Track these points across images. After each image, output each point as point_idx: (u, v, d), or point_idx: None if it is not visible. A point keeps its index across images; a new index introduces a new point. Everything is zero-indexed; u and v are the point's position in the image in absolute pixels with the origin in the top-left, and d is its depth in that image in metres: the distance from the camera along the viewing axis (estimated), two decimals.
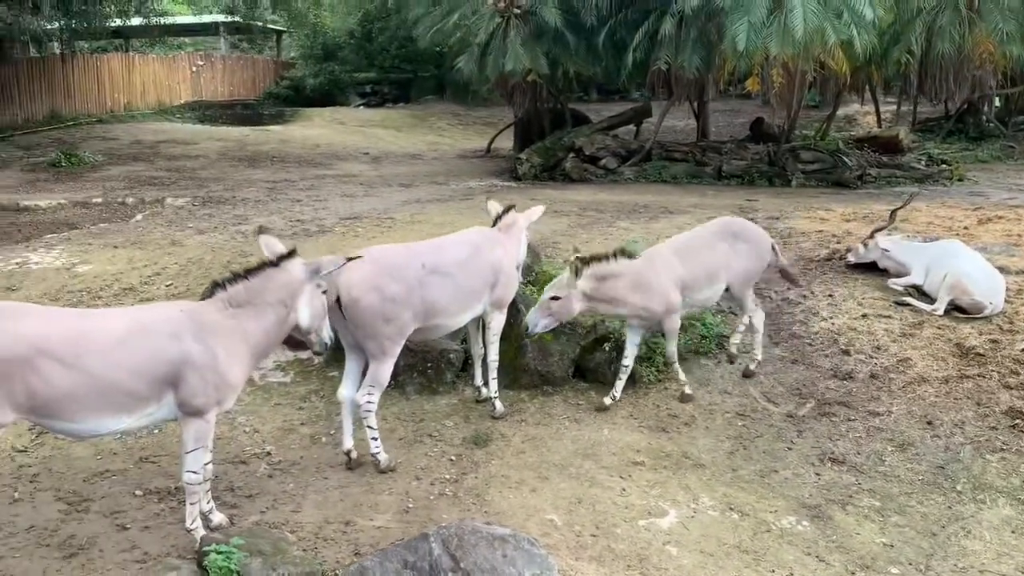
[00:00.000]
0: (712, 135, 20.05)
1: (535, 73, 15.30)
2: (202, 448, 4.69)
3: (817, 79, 13.97)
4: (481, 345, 6.46)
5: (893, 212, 8.24)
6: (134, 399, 4.40)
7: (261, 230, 5.12)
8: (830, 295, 7.97)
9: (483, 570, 4.33)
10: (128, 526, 5.04)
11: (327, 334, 5.05)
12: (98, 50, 28.56)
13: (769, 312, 7.78)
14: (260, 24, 29.59)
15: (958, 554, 4.81)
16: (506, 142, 20.90)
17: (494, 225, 6.39)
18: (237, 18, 25.21)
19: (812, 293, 8.05)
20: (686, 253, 6.50)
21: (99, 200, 14.29)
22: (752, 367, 6.90)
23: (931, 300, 7.54)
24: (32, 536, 4.92)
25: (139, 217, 12.68)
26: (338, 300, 5.43)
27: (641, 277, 6.19)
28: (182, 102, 28.66)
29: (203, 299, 4.78)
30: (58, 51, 22.47)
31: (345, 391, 5.72)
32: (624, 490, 5.42)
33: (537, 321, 6.04)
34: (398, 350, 5.65)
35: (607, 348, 6.87)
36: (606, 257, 6.14)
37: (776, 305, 7.91)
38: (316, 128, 25.94)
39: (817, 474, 5.61)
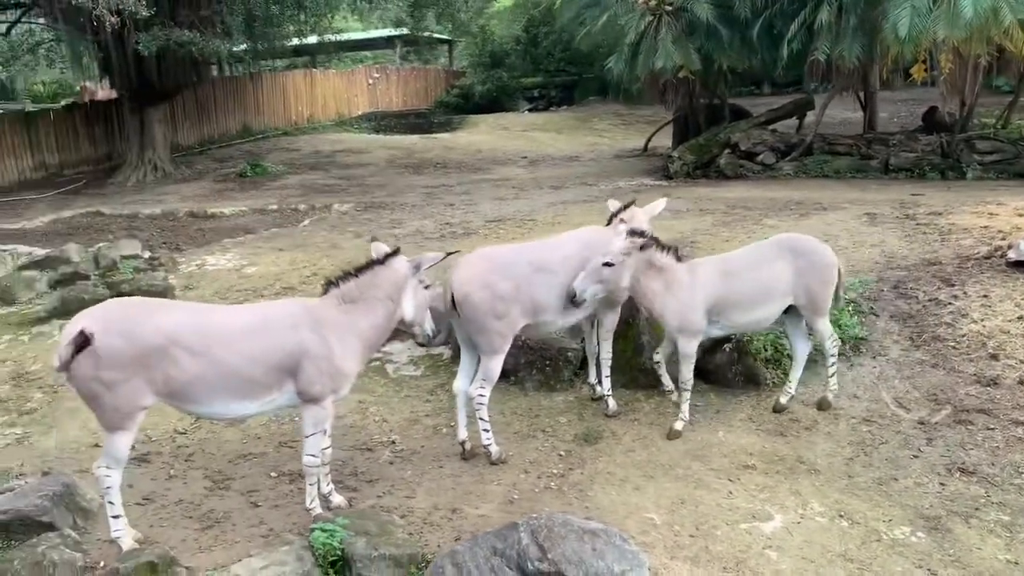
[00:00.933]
0: (889, 126, 18.93)
1: (686, 69, 15.06)
2: (320, 433, 5.09)
3: (993, 63, 12.86)
4: (595, 343, 6.53)
5: None
6: (257, 386, 4.84)
7: (374, 239, 5.48)
8: (985, 296, 7.39)
9: (571, 562, 4.42)
10: (260, 504, 5.52)
11: (429, 326, 5.34)
12: (290, 67, 30.85)
13: (913, 313, 7.36)
14: (431, 35, 30.81)
15: None
16: (665, 140, 20.68)
17: (608, 223, 6.44)
18: (405, 31, 26.38)
19: (965, 293, 7.50)
20: (734, 270, 5.97)
21: (275, 207, 15.50)
22: (784, 400, 6.36)
23: None
24: (179, 508, 5.50)
25: (306, 222, 13.66)
26: (452, 297, 5.71)
27: (675, 284, 5.81)
28: (359, 113, 30.36)
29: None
30: (246, 71, 24.47)
31: (460, 384, 6.00)
32: (730, 493, 5.33)
33: (585, 287, 5.67)
34: (507, 346, 5.84)
35: (728, 349, 6.74)
36: (660, 245, 5.84)
37: (922, 306, 7.44)
38: (480, 134, 26.71)
39: (942, 484, 5.27)
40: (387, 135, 27.55)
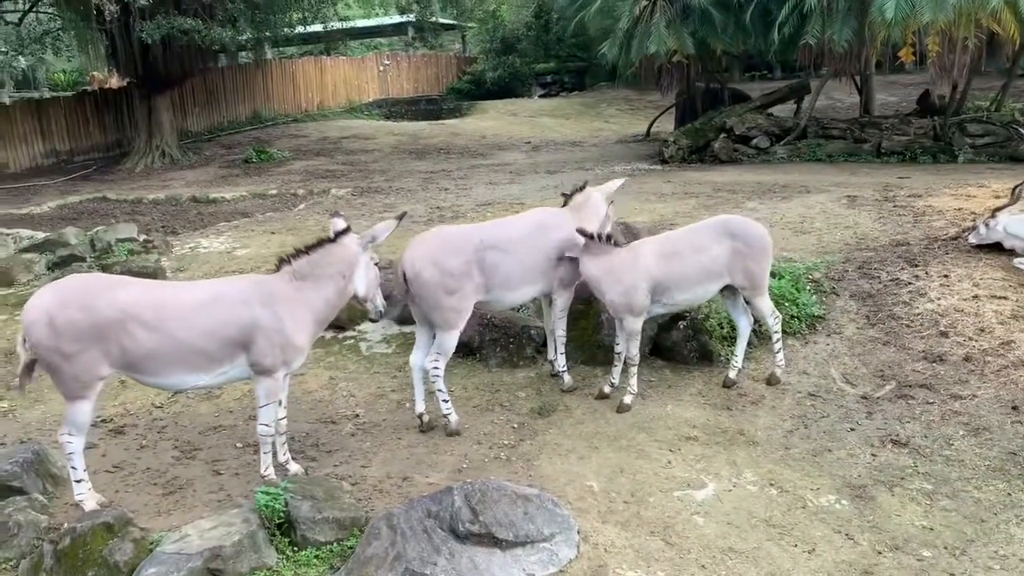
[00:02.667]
0: (888, 110, 18.88)
1: (681, 54, 15.14)
2: (273, 404, 5.33)
3: (983, 47, 12.80)
4: (553, 321, 6.72)
5: (1015, 189, 7.62)
6: (210, 359, 5.08)
7: (335, 213, 5.73)
8: (945, 275, 7.51)
9: (501, 524, 4.65)
10: (222, 472, 5.79)
11: (381, 302, 5.57)
12: (305, 54, 31.11)
13: (873, 293, 7.50)
14: (443, 22, 30.95)
15: (1002, 541, 4.53)
16: (669, 125, 20.73)
17: (564, 204, 6.62)
18: (410, 18, 26.56)
19: (926, 274, 7.63)
20: (671, 252, 6.13)
21: (274, 192, 15.79)
22: (732, 375, 6.50)
23: None
24: (146, 476, 5.78)
25: (302, 206, 13.93)
26: (404, 275, 5.94)
27: (616, 267, 6.01)
28: (370, 100, 30.57)
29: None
30: (253, 58, 24.77)
31: (416, 359, 6.23)
32: (669, 462, 5.52)
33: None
34: (462, 321, 6.04)
35: (683, 327, 6.91)
36: (597, 237, 6.06)
37: (883, 286, 7.57)
38: (489, 120, 26.86)
39: (873, 455, 5.43)
40: (396, 121, 27.78)
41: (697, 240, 6.19)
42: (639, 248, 6.21)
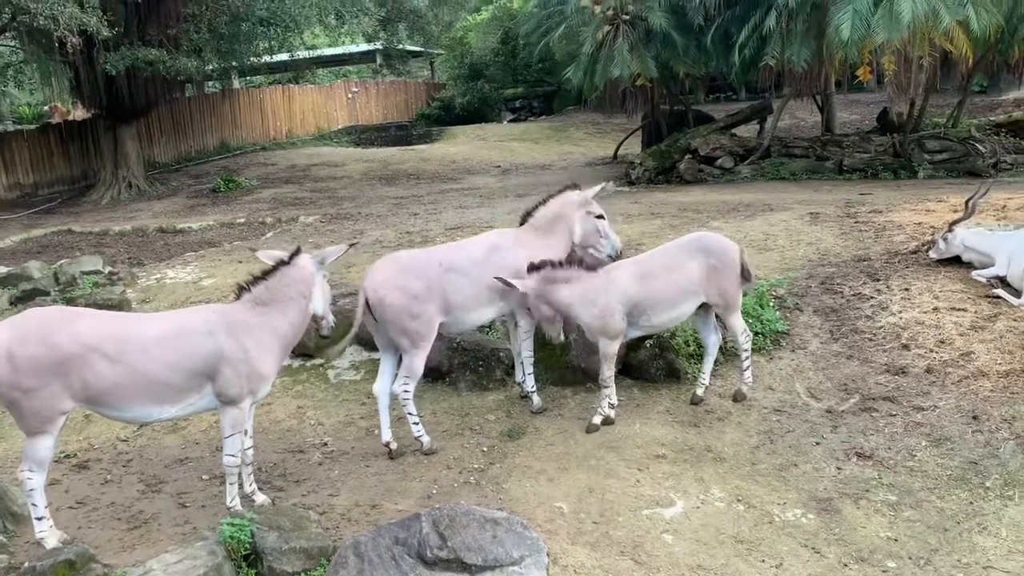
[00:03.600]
0: (850, 128, 19.24)
1: (644, 77, 15.32)
2: (239, 434, 5.29)
3: (937, 64, 13.10)
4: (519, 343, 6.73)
5: (968, 201, 7.77)
6: (175, 391, 5.04)
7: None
8: (906, 289, 7.63)
9: (470, 549, 4.61)
10: (188, 504, 5.72)
11: (331, 318, 5.56)
12: (273, 83, 31.12)
13: (836, 308, 7.59)
14: (411, 49, 31.08)
15: (966, 550, 4.60)
16: (637, 147, 20.93)
17: (522, 223, 6.67)
18: (378, 45, 26.68)
19: (888, 287, 7.74)
20: (647, 273, 6.10)
21: (242, 221, 15.70)
22: (700, 392, 6.55)
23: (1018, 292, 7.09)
24: (110, 511, 5.70)
25: (269, 234, 13.85)
26: (367, 302, 5.94)
27: (590, 292, 5.99)
28: (339, 127, 30.56)
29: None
30: (221, 88, 24.69)
31: (380, 386, 6.23)
32: (638, 481, 5.54)
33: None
34: (428, 343, 6.05)
35: (649, 345, 6.96)
36: (558, 264, 6.07)
37: (846, 300, 7.67)
38: (458, 145, 26.93)
39: (838, 468, 5.48)
40: (365, 148, 27.77)
41: (671, 260, 6.20)
42: (617, 269, 6.22)
